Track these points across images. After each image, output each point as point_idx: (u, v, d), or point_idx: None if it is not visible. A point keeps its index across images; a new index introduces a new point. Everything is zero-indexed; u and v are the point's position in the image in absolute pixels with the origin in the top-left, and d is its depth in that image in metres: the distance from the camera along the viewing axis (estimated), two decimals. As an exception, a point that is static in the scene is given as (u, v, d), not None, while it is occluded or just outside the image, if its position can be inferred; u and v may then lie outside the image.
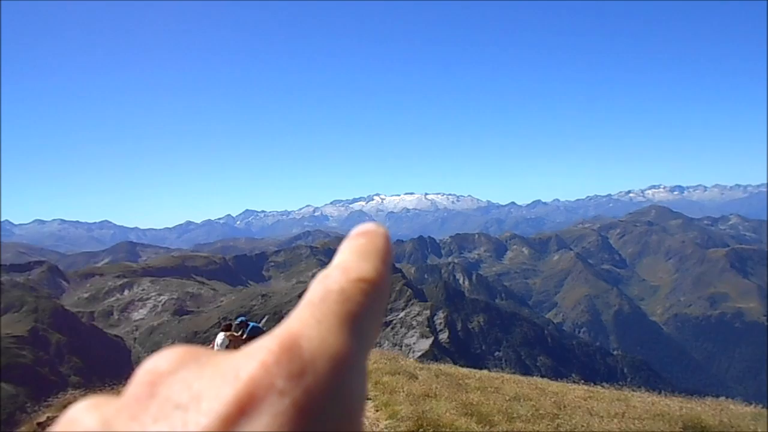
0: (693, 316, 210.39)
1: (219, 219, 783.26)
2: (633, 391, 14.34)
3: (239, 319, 15.46)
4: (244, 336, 15.00)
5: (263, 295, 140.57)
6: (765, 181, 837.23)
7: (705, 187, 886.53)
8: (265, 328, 20.09)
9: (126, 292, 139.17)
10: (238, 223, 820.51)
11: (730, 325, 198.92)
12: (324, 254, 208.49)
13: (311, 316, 0.77)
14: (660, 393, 14.23)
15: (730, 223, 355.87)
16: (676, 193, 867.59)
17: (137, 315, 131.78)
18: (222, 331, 15.53)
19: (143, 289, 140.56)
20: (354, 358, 0.75)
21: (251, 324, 15.44)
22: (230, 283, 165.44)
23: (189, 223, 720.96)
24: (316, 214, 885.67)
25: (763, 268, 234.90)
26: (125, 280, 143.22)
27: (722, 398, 13.96)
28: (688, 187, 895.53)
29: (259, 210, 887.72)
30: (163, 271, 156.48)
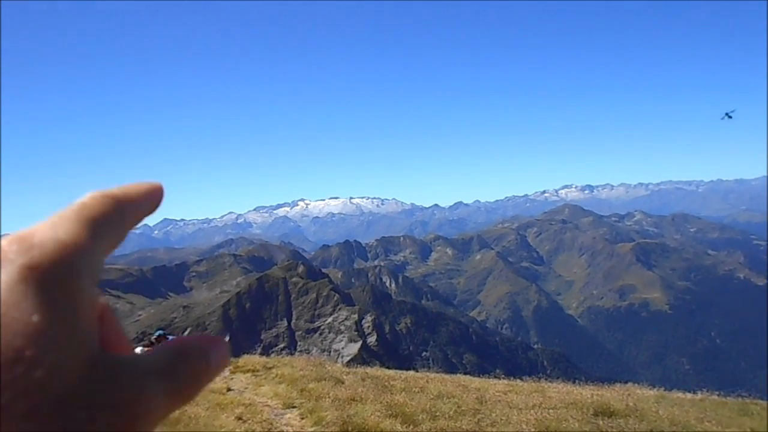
0: (605, 308, 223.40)
1: (135, 229, 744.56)
2: (550, 382, 15.08)
3: (158, 333, 14.84)
4: (163, 351, 14.44)
5: (185, 307, 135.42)
6: (665, 180, 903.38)
7: (612, 185, 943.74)
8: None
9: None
10: (155, 232, 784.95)
11: (638, 314, 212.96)
12: (248, 262, 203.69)
13: (49, 220, 0.80)
14: (575, 382, 15.04)
15: (635, 219, 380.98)
16: (586, 192, 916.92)
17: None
18: (141, 346, 14.89)
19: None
20: (83, 248, 0.80)
21: (171, 338, 14.87)
22: (149, 296, 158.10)
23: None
24: (238, 221, 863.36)
25: (665, 260, 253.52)
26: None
27: (630, 384, 14.97)
28: (597, 186, 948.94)
29: (179, 219, 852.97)
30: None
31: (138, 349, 10.96)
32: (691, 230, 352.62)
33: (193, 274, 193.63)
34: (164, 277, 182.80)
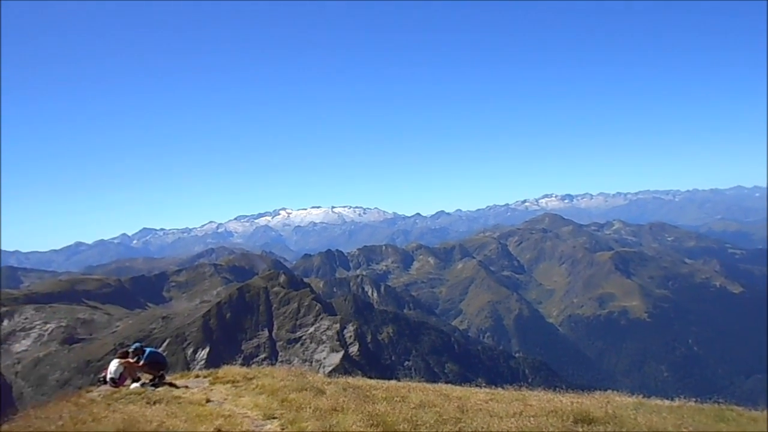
0: (585, 316, 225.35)
1: (113, 239, 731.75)
2: (531, 390, 15.15)
3: (135, 345, 14.62)
4: (141, 362, 14.21)
5: (164, 318, 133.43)
6: (643, 189, 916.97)
7: (591, 195, 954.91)
8: (164, 353, 19.12)
9: (6, 322, 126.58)
10: (134, 242, 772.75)
11: (617, 322, 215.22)
12: (229, 272, 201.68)
13: None
14: (555, 390, 15.13)
15: (614, 228, 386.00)
16: (566, 201, 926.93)
17: (19, 347, 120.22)
18: (117, 357, 14.63)
19: (26, 318, 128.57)
20: None
21: (148, 349, 14.65)
22: (127, 307, 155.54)
23: (79, 244, 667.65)
24: (219, 230, 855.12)
25: (643, 269, 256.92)
26: (4, 308, 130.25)
27: (609, 391, 15.09)
28: (576, 196, 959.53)
29: (158, 228, 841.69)
30: (49, 297, 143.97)
31: (114, 361, 10.83)
32: (669, 239, 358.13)
33: (173, 284, 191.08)
34: (143, 288, 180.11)
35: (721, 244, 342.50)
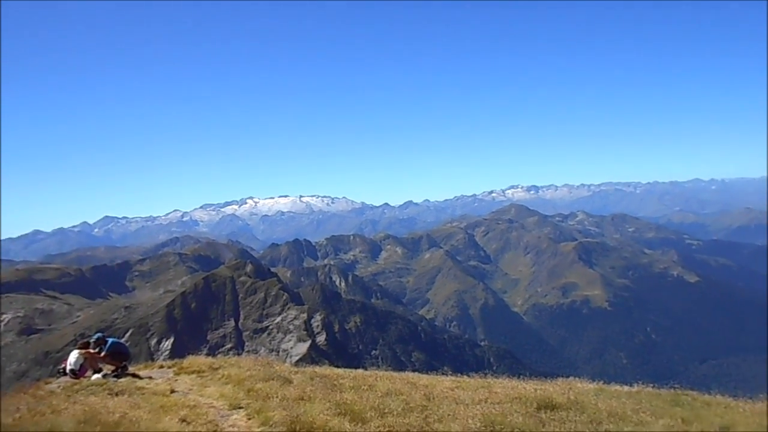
0: (548, 305, 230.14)
1: (73, 227, 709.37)
2: (496, 378, 15.41)
3: (97, 336, 14.27)
4: (103, 353, 13.89)
5: (126, 308, 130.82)
6: (606, 181, 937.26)
7: (556, 186, 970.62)
8: (127, 344, 18.69)
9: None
10: (96, 230, 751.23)
11: (579, 311, 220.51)
12: (194, 261, 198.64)
13: None
14: (519, 378, 15.43)
15: (578, 219, 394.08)
16: (532, 192, 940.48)
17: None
18: (78, 348, 14.25)
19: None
20: None
21: (111, 340, 14.32)
22: (88, 296, 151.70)
23: (37, 232, 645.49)
24: (184, 219, 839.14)
25: (605, 259, 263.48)
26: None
27: (571, 378, 15.47)
28: (542, 187, 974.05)
29: (120, 216, 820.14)
30: (6, 286, 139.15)
31: (74, 352, 10.49)
32: (630, 230, 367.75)
33: (136, 273, 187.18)
34: (105, 277, 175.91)
35: (679, 235, 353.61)
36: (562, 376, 15.89)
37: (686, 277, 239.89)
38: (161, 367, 15.51)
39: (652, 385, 14.09)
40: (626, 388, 13.93)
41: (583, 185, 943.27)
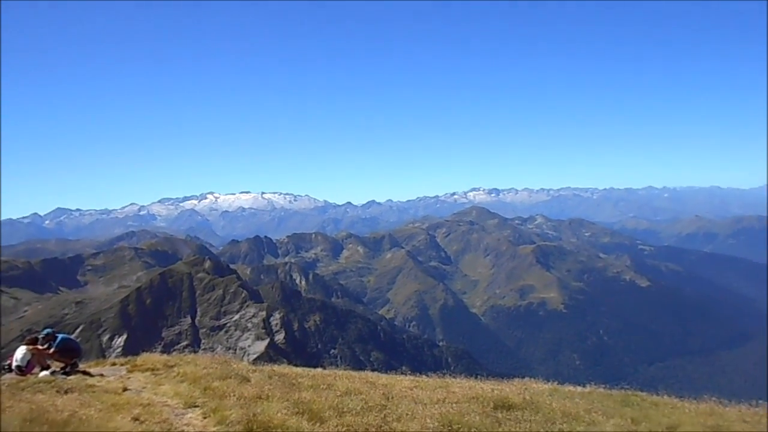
0: (506, 306, 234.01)
1: (23, 218, 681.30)
2: (454, 378, 15.61)
3: (46, 332, 13.78)
4: (52, 349, 13.41)
5: (78, 303, 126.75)
6: (564, 186, 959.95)
7: (516, 190, 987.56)
8: (78, 340, 18.07)
9: None
10: (47, 222, 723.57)
11: (536, 313, 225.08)
12: (151, 256, 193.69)
13: None
14: (477, 378, 15.67)
15: (536, 222, 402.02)
16: (493, 195, 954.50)
17: None
18: (25, 344, 13.71)
19: None
20: None
21: (60, 335, 13.83)
22: (37, 291, 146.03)
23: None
24: (141, 213, 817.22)
25: (562, 262, 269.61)
26: None
27: (527, 378, 15.85)
28: (503, 190, 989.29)
29: (74, 208, 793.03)
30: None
31: (21, 348, 10.02)
32: (586, 234, 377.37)
33: (89, 267, 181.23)
34: (55, 271, 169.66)
35: (633, 241, 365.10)
36: (518, 377, 16.25)
37: (638, 282, 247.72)
38: (113, 364, 15.10)
39: (603, 386, 14.56)
40: (579, 388, 14.34)
41: (542, 189, 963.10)
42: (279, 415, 9.20)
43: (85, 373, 13.26)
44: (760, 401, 12.17)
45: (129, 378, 13.08)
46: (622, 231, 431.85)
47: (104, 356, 72.78)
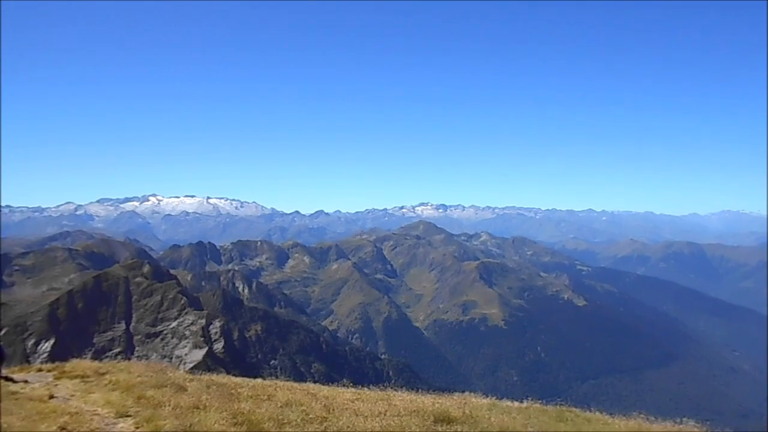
0: (448, 321, 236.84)
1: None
2: (395, 391, 15.65)
3: (-34, 333, 12.97)
4: (-27, 353, 12.63)
5: (2, 305, 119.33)
6: (509, 205, 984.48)
7: (463, 207, 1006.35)
8: (2, 343, 17.03)
9: None
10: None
11: (477, 329, 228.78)
12: (86, 258, 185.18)
13: None
14: (418, 392, 15.77)
15: (481, 239, 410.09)
16: (440, 210, 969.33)
17: None
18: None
19: None
20: None
21: (-18, 338, 13.05)
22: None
23: None
24: (78, 212, 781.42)
25: (504, 279, 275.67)
26: None
27: (466, 393, 16.07)
28: (450, 206, 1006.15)
29: (3, 205, 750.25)
30: None
31: None
32: (528, 253, 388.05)
33: (16, 267, 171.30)
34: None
35: (572, 261, 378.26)
36: (458, 391, 16.46)
37: (575, 301, 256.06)
38: (40, 370, 14.34)
39: (539, 401, 14.96)
40: (517, 404, 14.67)
41: (488, 207, 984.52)
42: (216, 425, 8.98)
43: (7, 379, 12.53)
44: (684, 418, 12.86)
45: (56, 385, 12.44)
46: (562, 251, 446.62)
47: (28, 362, 68.90)
